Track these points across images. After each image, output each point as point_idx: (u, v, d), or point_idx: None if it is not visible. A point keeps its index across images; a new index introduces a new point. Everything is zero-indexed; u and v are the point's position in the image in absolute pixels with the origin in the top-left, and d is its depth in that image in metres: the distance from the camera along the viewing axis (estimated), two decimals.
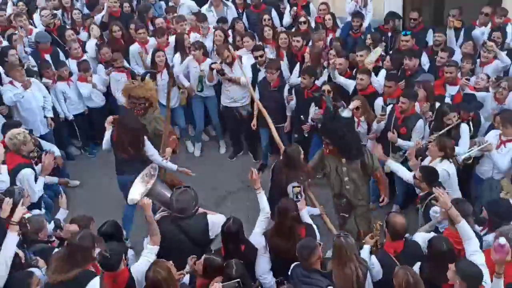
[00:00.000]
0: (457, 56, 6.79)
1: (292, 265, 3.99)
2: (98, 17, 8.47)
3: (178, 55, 7.37)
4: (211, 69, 6.94)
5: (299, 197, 4.57)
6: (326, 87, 6.24)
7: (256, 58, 6.99)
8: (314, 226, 4.42)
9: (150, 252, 4.00)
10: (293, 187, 4.52)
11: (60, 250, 3.81)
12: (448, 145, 5.16)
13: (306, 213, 4.55)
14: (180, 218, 4.24)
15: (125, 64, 7.44)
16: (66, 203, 5.16)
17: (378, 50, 6.79)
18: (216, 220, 4.32)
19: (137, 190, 4.51)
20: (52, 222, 4.61)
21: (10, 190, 4.68)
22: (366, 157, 5.19)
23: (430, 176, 4.81)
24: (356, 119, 6.12)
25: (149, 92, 5.92)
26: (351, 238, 3.96)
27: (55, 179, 6.14)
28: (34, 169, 5.40)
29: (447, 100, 6.15)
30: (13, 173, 5.21)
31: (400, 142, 5.82)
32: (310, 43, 7.43)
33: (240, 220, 4.24)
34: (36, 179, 5.35)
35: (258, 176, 4.58)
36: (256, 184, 4.57)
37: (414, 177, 4.93)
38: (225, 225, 4.16)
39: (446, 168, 5.05)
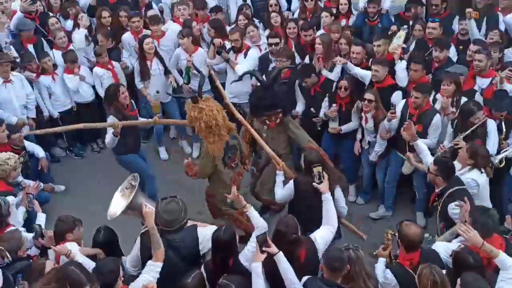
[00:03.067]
0: None
1: (305, 278, 3.80)
2: (85, 2, 8.28)
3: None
4: (213, 44, 6.75)
5: (321, 178, 4.37)
6: (343, 83, 6.07)
7: (270, 45, 6.74)
8: (317, 236, 4.17)
9: (151, 269, 3.81)
10: (314, 166, 4.36)
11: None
12: (480, 153, 4.86)
13: (329, 196, 4.37)
14: (167, 232, 4.02)
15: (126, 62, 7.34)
16: (38, 205, 5.14)
17: (402, 34, 6.51)
18: (207, 233, 4.09)
19: (118, 204, 4.34)
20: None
21: None
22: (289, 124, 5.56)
23: (446, 170, 4.65)
24: (363, 115, 6.00)
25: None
26: (360, 251, 3.89)
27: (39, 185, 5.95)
28: (15, 195, 5.26)
29: (477, 94, 5.87)
30: None
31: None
32: (320, 30, 7.20)
33: (234, 230, 4.07)
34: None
35: (238, 194, 4.37)
36: (240, 203, 4.34)
37: (429, 171, 4.74)
38: (215, 234, 3.98)
39: (474, 178, 4.80)
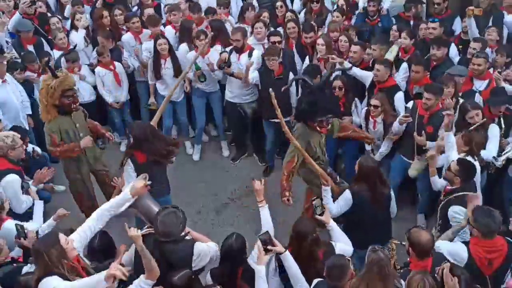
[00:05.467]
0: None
1: (315, 281, 3.84)
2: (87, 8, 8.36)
3: (184, 45, 7.18)
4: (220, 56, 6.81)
5: (322, 209, 4.36)
6: (337, 83, 6.13)
7: (273, 43, 6.81)
8: (338, 244, 4.22)
9: (141, 286, 3.75)
10: (312, 200, 4.34)
11: None
12: (475, 140, 5.00)
13: (334, 225, 4.34)
14: (162, 242, 4.03)
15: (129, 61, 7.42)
16: (35, 193, 5.17)
17: (394, 49, 6.63)
18: (205, 250, 4.11)
19: None
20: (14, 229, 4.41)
21: None
22: None
23: (468, 171, 4.69)
24: (371, 119, 6.03)
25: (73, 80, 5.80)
26: (386, 251, 3.85)
27: (39, 185, 5.93)
28: (22, 177, 5.22)
29: (477, 95, 5.95)
30: None
31: (430, 144, 5.59)
32: (325, 30, 7.27)
33: (244, 238, 4.07)
34: (22, 188, 5.15)
35: (263, 186, 4.44)
36: (259, 196, 4.43)
37: (449, 169, 4.76)
38: (226, 242, 4.01)
39: None
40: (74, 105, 5.61)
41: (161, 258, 3.94)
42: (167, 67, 7.03)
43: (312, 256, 4.02)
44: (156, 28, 7.32)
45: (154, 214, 4.15)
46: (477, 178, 5.01)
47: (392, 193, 4.88)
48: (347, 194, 4.80)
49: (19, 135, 5.35)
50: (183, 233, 4.04)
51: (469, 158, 4.96)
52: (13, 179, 5.02)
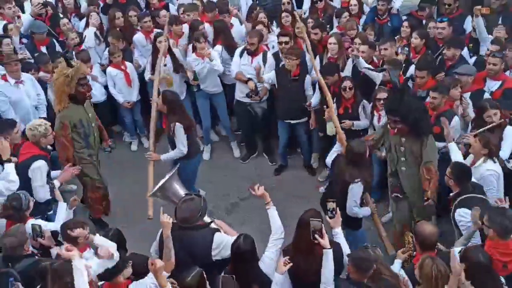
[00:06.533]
0: None
1: None
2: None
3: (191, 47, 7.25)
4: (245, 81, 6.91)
5: (333, 213, 4.32)
6: (347, 84, 6.16)
7: (280, 44, 6.87)
8: (345, 247, 4.17)
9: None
10: (327, 201, 4.31)
11: None
12: (492, 141, 4.97)
13: (340, 231, 4.27)
14: (181, 228, 4.11)
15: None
16: (59, 194, 5.28)
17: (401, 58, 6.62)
18: (224, 240, 4.12)
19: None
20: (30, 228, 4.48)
21: (15, 197, 4.63)
22: (426, 143, 5.10)
23: (460, 174, 4.66)
24: (376, 113, 6.11)
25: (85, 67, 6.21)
26: (378, 249, 3.94)
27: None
28: (48, 162, 5.41)
29: (486, 95, 5.93)
30: (25, 165, 5.19)
31: (437, 144, 5.54)
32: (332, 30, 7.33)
33: (252, 239, 4.04)
34: (48, 176, 5.35)
35: (262, 188, 4.45)
36: (266, 199, 4.41)
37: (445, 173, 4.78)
38: (235, 243, 3.98)
39: (495, 169, 4.90)
40: (88, 93, 5.92)
41: (180, 245, 4.01)
42: (165, 64, 7.08)
43: (312, 251, 3.90)
44: (178, 26, 7.39)
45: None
46: (500, 181, 4.97)
47: (354, 192, 4.90)
48: (335, 155, 5.34)
49: (49, 123, 5.57)
50: (204, 222, 4.15)
51: (489, 161, 4.93)
52: (41, 164, 5.22)
